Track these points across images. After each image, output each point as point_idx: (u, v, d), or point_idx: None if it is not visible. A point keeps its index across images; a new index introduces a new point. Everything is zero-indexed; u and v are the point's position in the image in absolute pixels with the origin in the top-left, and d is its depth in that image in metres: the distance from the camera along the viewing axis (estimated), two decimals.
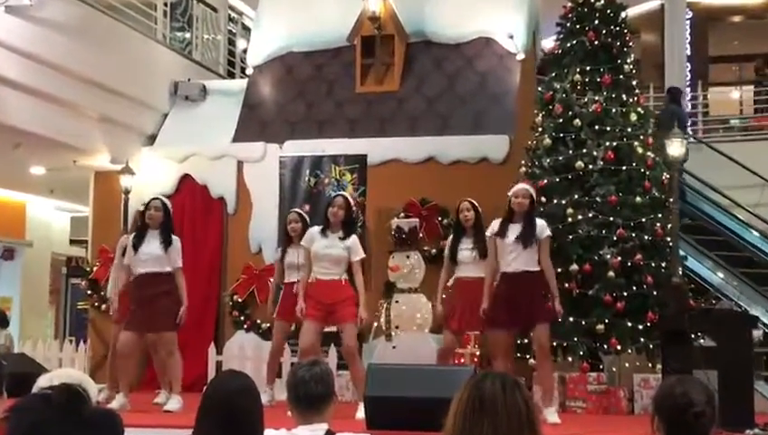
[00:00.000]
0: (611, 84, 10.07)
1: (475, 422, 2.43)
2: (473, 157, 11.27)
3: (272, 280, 9.60)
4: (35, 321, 15.46)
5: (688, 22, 16.54)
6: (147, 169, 12.36)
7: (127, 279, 8.48)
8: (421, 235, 10.82)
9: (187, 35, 14.72)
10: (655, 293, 9.40)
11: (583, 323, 9.23)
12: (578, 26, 10.29)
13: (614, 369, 9.46)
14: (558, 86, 10.28)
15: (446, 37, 12.35)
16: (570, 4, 10.45)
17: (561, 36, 10.48)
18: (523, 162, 10.24)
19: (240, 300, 11.55)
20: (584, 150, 9.86)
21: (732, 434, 6.67)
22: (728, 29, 18.46)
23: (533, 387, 8.60)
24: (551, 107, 10.21)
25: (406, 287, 10.49)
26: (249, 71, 13.17)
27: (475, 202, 8.37)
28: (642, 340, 9.26)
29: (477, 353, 9.85)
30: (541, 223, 7.90)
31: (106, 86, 11.89)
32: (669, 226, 9.89)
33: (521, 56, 12.00)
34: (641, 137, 10.03)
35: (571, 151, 9.95)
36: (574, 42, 10.28)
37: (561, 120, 10.07)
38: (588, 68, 10.14)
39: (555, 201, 9.76)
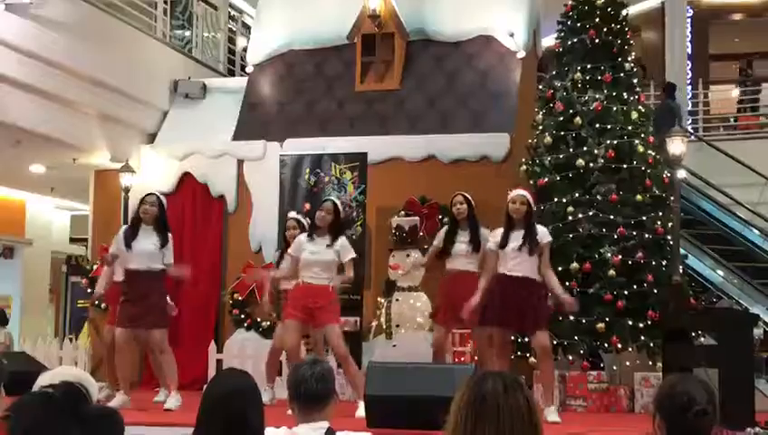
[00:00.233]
0: (612, 82, 10.07)
1: (476, 422, 2.42)
2: (473, 155, 11.26)
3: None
4: (35, 319, 15.46)
5: (689, 20, 16.54)
6: (147, 168, 12.36)
7: (111, 275, 8.55)
8: (421, 233, 10.80)
9: (188, 33, 14.73)
10: (655, 291, 9.39)
11: (584, 321, 9.22)
12: (579, 24, 10.28)
13: (614, 367, 9.45)
14: (559, 84, 10.28)
15: (447, 35, 12.34)
16: (570, 2, 10.44)
17: (562, 34, 10.48)
18: (523, 160, 10.24)
19: (240, 298, 11.54)
20: (585, 149, 9.85)
21: (732, 432, 6.67)
22: (729, 27, 18.46)
23: (534, 386, 8.60)
24: (551, 105, 10.21)
25: (406, 286, 10.48)
26: (249, 69, 13.16)
27: (468, 195, 8.38)
28: (643, 338, 9.25)
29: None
30: (542, 229, 7.81)
31: (106, 84, 11.89)
32: (670, 224, 9.89)
33: (521, 54, 12.00)
34: (642, 135, 10.02)
35: (571, 150, 9.94)
36: (575, 40, 10.28)
37: (561, 119, 10.07)
38: (588, 66, 10.14)
39: (556, 200, 9.76)
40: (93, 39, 11.75)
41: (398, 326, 10.34)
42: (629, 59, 10.29)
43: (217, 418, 3.14)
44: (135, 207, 8.55)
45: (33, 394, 2.54)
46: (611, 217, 9.55)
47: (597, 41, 10.17)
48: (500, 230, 7.71)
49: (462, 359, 9.80)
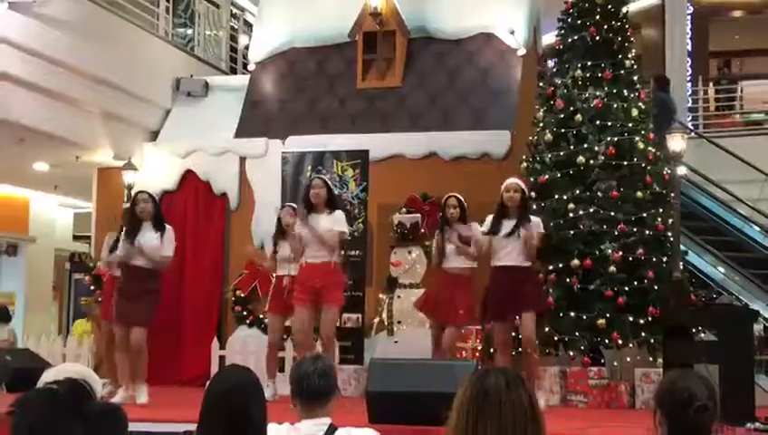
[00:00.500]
0: (612, 79, 10.09)
1: (478, 418, 2.44)
2: (474, 152, 11.29)
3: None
4: (39, 316, 15.50)
5: (689, 17, 16.52)
6: (149, 165, 12.39)
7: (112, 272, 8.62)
8: (423, 230, 10.83)
9: (190, 32, 14.75)
10: (656, 287, 9.41)
11: (584, 317, 9.25)
12: (579, 22, 10.29)
13: (615, 363, 9.46)
14: (559, 81, 10.29)
15: (448, 33, 12.37)
16: (571, 0, 10.46)
17: (563, 32, 10.49)
18: (524, 158, 10.26)
19: (243, 295, 11.57)
20: (585, 146, 9.86)
21: (733, 428, 6.69)
22: (729, 24, 18.44)
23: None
24: (552, 102, 10.23)
25: (407, 283, 10.51)
26: (251, 67, 13.19)
27: (460, 197, 8.47)
28: (643, 334, 9.27)
29: (479, 348, 9.87)
30: (536, 220, 7.95)
31: (109, 82, 11.92)
32: (670, 220, 9.91)
33: (522, 52, 12.02)
34: (642, 132, 10.04)
35: (572, 147, 9.96)
36: (575, 37, 10.29)
37: (562, 116, 10.08)
38: (589, 63, 10.15)
39: (556, 196, 9.78)
40: (96, 37, 11.78)
41: (399, 323, 10.38)
42: (630, 56, 10.30)
43: (220, 414, 3.16)
44: (124, 209, 8.61)
45: (38, 391, 2.56)
46: (612, 213, 9.57)
47: (597, 38, 10.18)
48: (491, 217, 7.84)
49: (463, 354, 9.81)
